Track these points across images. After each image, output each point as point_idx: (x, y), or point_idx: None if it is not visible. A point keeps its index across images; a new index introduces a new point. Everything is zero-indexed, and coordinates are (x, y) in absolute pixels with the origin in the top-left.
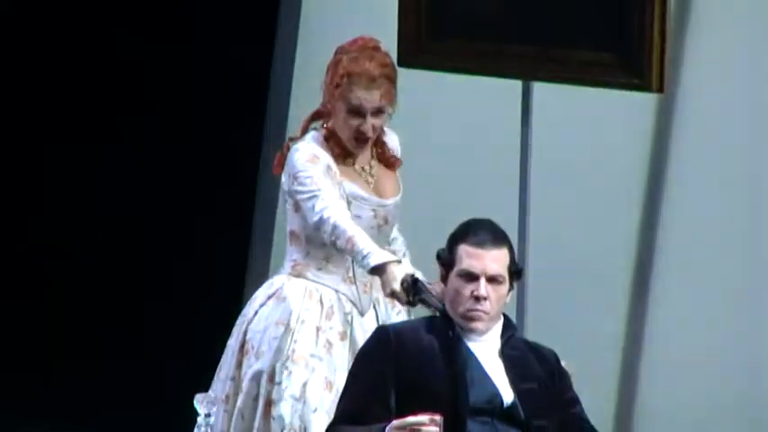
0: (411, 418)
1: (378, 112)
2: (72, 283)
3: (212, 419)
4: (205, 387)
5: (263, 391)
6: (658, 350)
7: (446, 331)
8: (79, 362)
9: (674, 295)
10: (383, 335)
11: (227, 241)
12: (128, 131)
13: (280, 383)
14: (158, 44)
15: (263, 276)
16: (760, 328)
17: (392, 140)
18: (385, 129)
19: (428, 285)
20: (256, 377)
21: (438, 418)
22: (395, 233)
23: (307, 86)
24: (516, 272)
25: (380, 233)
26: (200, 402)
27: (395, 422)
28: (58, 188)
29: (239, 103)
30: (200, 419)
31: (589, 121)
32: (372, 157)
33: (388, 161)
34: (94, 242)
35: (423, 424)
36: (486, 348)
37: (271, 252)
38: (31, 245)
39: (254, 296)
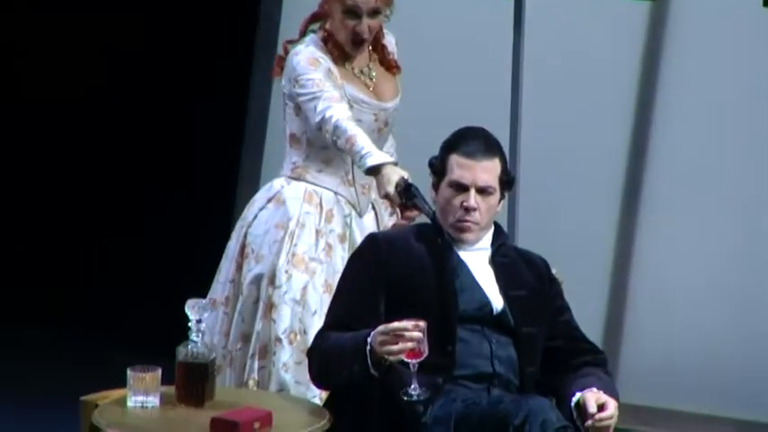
0: (395, 324)
1: (374, 12)
2: (78, 200)
3: (203, 325)
4: (202, 291)
5: (263, 294)
6: (648, 262)
7: (436, 239)
8: (82, 270)
9: (664, 206)
10: (373, 242)
11: (218, 148)
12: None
13: (280, 287)
14: None
15: (254, 182)
16: (750, 258)
17: (390, 43)
18: (384, 30)
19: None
20: (257, 280)
21: (422, 324)
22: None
23: None
24: (508, 182)
25: (381, 136)
26: (191, 308)
27: (379, 328)
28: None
29: (229, 12)
30: (191, 324)
31: (582, 29)
32: (371, 59)
33: (389, 64)
34: (94, 161)
35: (406, 329)
36: (476, 256)
37: (262, 159)
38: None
39: (253, 199)
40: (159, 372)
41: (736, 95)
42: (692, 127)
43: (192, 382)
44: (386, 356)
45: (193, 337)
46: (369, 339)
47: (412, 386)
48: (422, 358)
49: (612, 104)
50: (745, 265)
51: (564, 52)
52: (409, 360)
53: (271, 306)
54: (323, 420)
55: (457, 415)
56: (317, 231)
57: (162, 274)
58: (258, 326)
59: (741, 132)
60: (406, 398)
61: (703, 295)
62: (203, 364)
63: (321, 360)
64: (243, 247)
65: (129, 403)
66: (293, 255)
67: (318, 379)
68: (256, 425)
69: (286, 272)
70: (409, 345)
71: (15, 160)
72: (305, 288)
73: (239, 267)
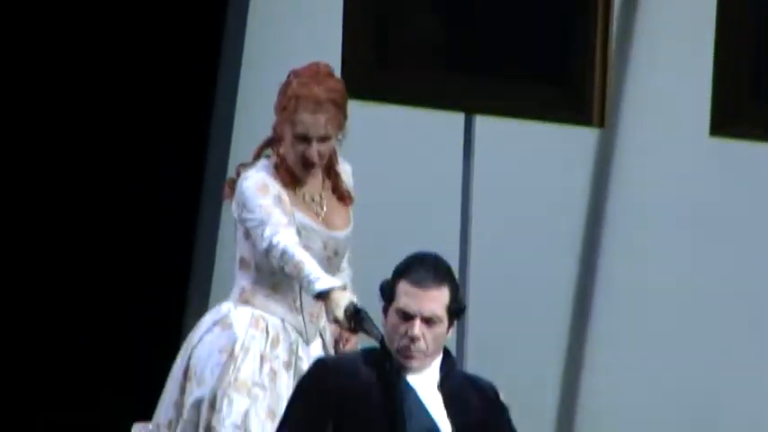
0: None
1: (324, 138)
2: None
3: None
4: (148, 415)
5: (202, 418)
6: (598, 389)
7: (384, 364)
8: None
9: (615, 332)
10: (321, 367)
11: (168, 267)
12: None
13: (220, 411)
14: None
15: (203, 304)
16: (704, 358)
17: (346, 172)
18: (340, 158)
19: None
20: (197, 404)
21: None
22: (344, 264)
23: (250, 113)
24: (456, 311)
25: (330, 265)
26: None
27: None
28: None
29: (181, 125)
30: None
31: (531, 154)
32: (324, 188)
33: (341, 194)
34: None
35: None
36: (424, 382)
37: (212, 280)
38: None
39: (199, 322)
40: None
41: (682, 222)
42: (641, 257)
43: None
44: None
45: None
46: None
47: None
48: None
49: (561, 233)
50: (700, 385)
51: (513, 179)
52: None
53: (209, 430)
54: None
55: None
56: (262, 356)
57: (106, 399)
58: None
59: (686, 255)
60: None
61: (657, 419)
62: None
63: None
64: (186, 369)
65: None
66: (236, 379)
67: None
68: None
69: (227, 396)
70: None
71: None
72: (246, 413)
73: (183, 390)
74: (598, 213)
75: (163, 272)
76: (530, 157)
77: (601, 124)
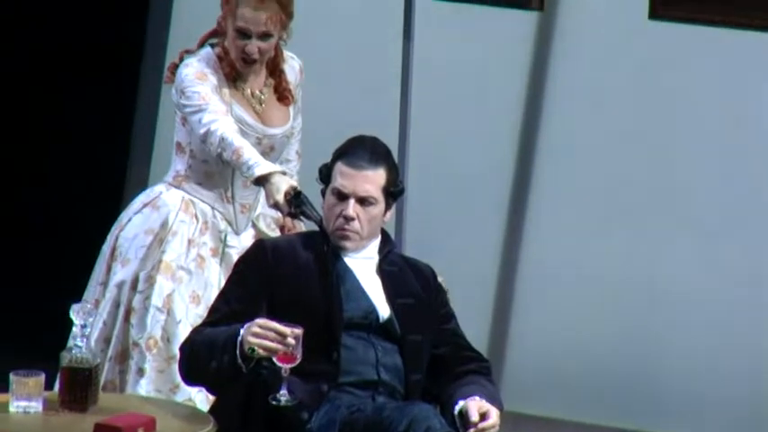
0: (274, 324)
1: (264, 35)
2: None
3: (88, 330)
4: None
5: (124, 298)
6: (532, 269)
7: (322, 246)
8: None
9: (548, 217)
10: (260, 248)
11: (107, 151)
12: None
13: (142, 292)
14: None
15: (141, 185)
16: (627, 256)
17: (293, 69)
18: (286, 55)
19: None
20: (119, 284)
21: (298, 331)
22: (292, 155)
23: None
24: (394, 192)
25: (268, 160)
26: (76, 312)
27: (257, 320)
28: None
29: (121, 16)
30: (74, 329)
31: (473, 37)
32: (266, 84)
33: (282, 94)
34: None
35: (283, 333)
36: (363, 264)
37: (150, 163)
38: None
39: (132, 202)
40: (43, 377)
41: (621, 105)
42: (578, 136)
43: (76, 388)
44: (256, 349)
45: (78, 341)
46: (242, 331)
47: (281, 391)
48: (294, 364)
49: (501, 113)
50: (627, 274)
51: (453, 61)
52: (281, 364)
53: (130, 310)
54: (207, 426)
55: (342, 422)
56: (190, 241)
57: (43, 276)
58: (117, 330)
59: (623, 138)
60: (274, 402)
61: (585, 305)
62: (87, 369)
63: (192, 351)
64: (113, 249)
65: (12, 408)
66: (160, 261)
67: (187, 372)
68: (140, 430)
69: (150, 278)
70: (280, 347)
71: None
72: (170, 296)
73: (109, 270)
74: (537, 95)
75: (101, 155)
76: (472, 41)
77: (540, 8)
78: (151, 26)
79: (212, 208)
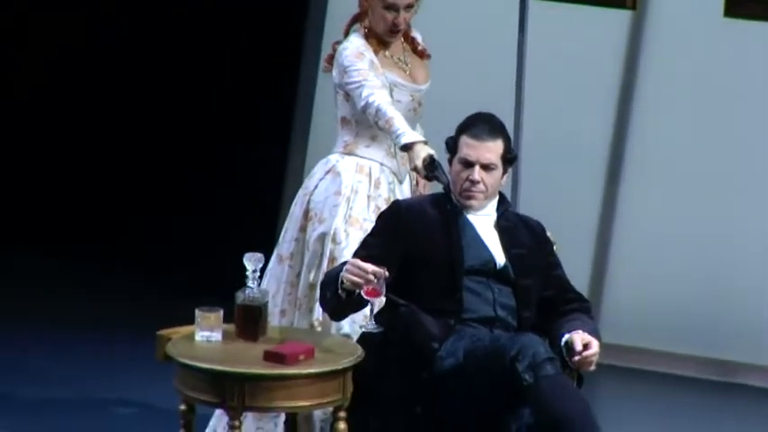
0: (359, 262)
1: (408, 6)
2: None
3: (258, 273)
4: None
5: (326, 249)
6: (626, 225)
7: (446, 205)
8: (162, 229)
9: (641, 179)
10: (396, 206)
11: (273, 130)
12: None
13: (340, 243)
14: None
15: (301, 159)
16: (716, 222)
17: (418, 36)
18: (411, 26)
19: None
20: (321, 238)
21: (381, 271)
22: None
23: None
24: (510, 159)
25: (416, 114)
26: (248, 260)
27: (350, 260)
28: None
29: (278, 24)
30: (248, 273)
31: (575, 33)
32: (405, 49)
33: (420, 53)
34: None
35: (365, 270)
36: (483, 220)
37: (308, 143)
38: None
39: (312, 171)
40: (221, 312)
41: (703, 94)
42: (667, 114)
43: (249, 322)
44: (346, 282)
45: (250, 283)
46: (344, 267)
47: (369, 321)
48: (377, 298)
49: (599, 97)
50: (712, 229)
51: (560, 52)
52: (368, 298)
53: (332, 259)
54: (356, 354)
55: (465, 349)
56: (368, 197)
57: (224, 232)
58: (321, 276)
59: (707, 122)
60: (362, 329)
61: (673, 252)
62: (258, 307)
63: (321, 284)
64: (306, 211)
65: (197, 338)
66: (350, 216)
67: (320, 301)
68: (301, 357)
69: (344, 231)
70: (362, 281)
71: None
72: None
73: (303, 228)
74: (630, 82)
75: (266, 133)
76: (574, 35)
77: (633, 7)
78: (309, 29)
79: (381, 164)
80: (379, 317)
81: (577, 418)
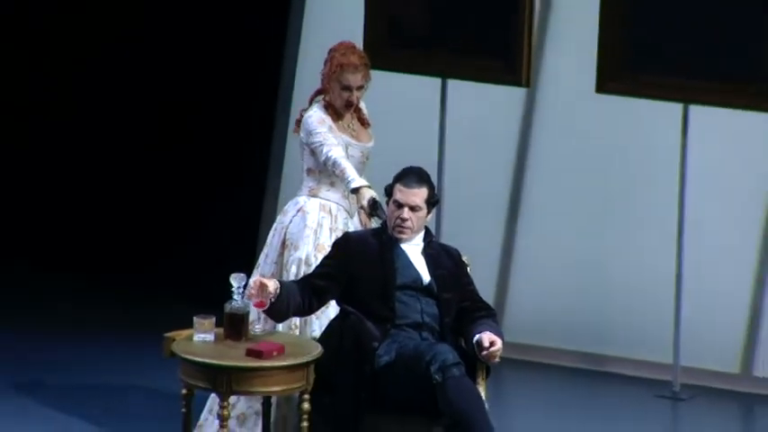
0: (255, 281)
1: (360, 87)
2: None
3: (241, 289)
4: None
5: (301, 271)
6: (524, 248)
7: (382, 236)
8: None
9: (536, 217)
10: (345, 236)
11: (250, 177)
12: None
13: (311, 265)
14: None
15: (274, 200)
16: (596, 244)
17: (364, 107)
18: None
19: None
20: (296, 262)
21: (265, 286)
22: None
23: (304, 73)
24: (432, 202)
25: (364, 166)
26: (234, 279)
27: (256, 277)
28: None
29: (255, 85)
30: (233, 288)
31: (474, 108)
32: (352, 118)
33: (363, 121)
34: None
35: (250, 286)
36: (412, 248)
37: (279, 188)
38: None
39: (285, 209)
40: (214, 319)
41: (586, 153)
42: (555, 167)
43: (234, 326)
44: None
45: (235, 297)
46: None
47: (257, 326)
48: (263, 308)
49: (497, 158)
50: (588, 254)
51: (467, 123)
52: (256, 308)
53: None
54: (317, 351)
55: (396, 351)
56: (330, 229)
57: (212, 257)
58: None
59: (587, 174)
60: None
61: (560, 269)
62: (241, 315)
63: None
64: (284, 241)
65: (195, 339)
66: (318, 244)
67: None
68: (275, 353)
69: (314, 256)
70: (251, 294)
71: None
72: None
73: (281, 254)
74: (524, 147)
75: (244, 181)
76: (474, 111)
77: (527, 84)
78: (282, 93)
79: (338, 204)
80: (333, 321)
81: (474, 413)
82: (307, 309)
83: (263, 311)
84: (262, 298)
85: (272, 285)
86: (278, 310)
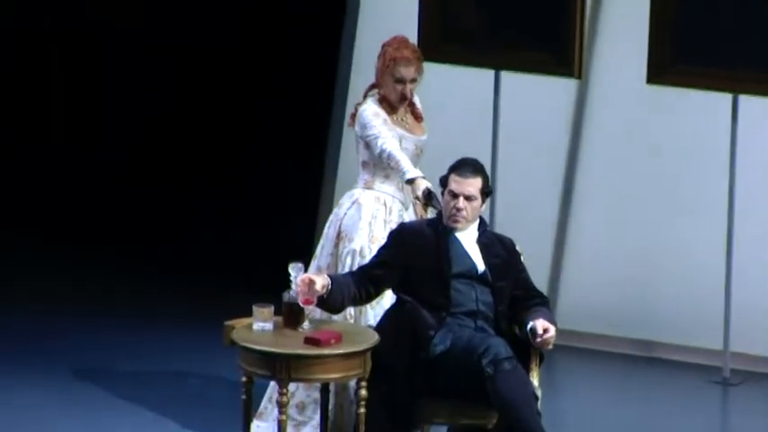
0: (303, 278)
1: (413, 80)
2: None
3: (299, 279)
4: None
5: (355, 263)
6: (577, 238)
7: (438, 226)
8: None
9: (589, 206)
10: (401, 227)
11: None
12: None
13: (365, 257)
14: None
15: (331, 192)
16: (648, 234)
17: (418, 101)
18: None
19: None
20: (351, 254)
21: (313, 283)
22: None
23: (359, 69)
24: (487, 192)
25: (418, 158)
26: (292, 268)
27: (305, 274)
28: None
29: (313, 82)
30: (292, 278)
31: (526, 100)
32: (406, 112)
33: (416, 115)
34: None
35: (297, 283)
36: (467, 238)
37: (336, 180)
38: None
39: (340, 202)
40: (272, 308)
41: (636, 144)
42: (607, 157)
43: (293, 315)
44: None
45: (293, 286)
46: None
47: (305, 322)
48: (310, 306)
49: (548, 151)
50: (640, 243)
51: (520, 115)
52: (302, 305)
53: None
54: (373, 339)
55: (451, 340)
56: (384, 221)
57: (272, 247)
58: None
59: (640, 164)
60: (299, 329)
61: (611, 259)
62: (299, 304)
63: None
64: (339, 233)
65: (254, 327)
66: (372, 236)
67: None
68: (332, 341)
69: (369, 248)
70: (299, 291)
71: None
72: None
73: (336, 246)
74: (576, 138)
75: (303, 171)
76: (529, 102)
77: (579, 76)
78: (338, 88)
79: (392, 196)
80: (390, 309)
81: (521, 407)
82: (364, 298)
83: (316, 305)
84: (308, 296)
85: (320, 282)
86: (331, 304)
